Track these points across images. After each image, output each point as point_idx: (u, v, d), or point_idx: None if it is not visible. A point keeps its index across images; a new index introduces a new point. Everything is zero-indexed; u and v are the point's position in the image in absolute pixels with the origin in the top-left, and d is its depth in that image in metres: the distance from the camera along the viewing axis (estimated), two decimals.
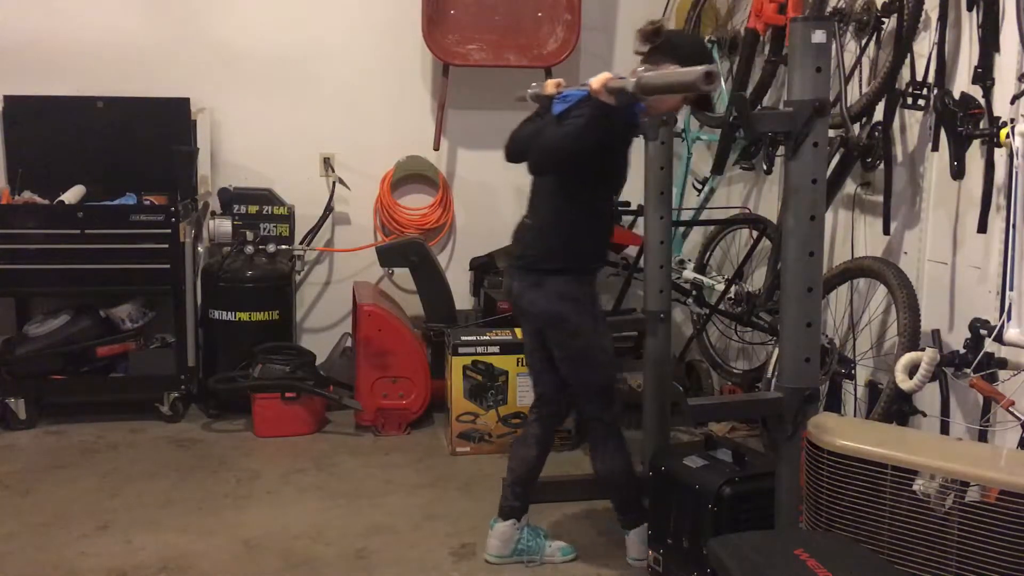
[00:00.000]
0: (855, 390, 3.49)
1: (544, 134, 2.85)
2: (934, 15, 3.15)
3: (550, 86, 2.98)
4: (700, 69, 2.30)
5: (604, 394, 3.04)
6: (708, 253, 4.74)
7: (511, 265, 3.09)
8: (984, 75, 2.93)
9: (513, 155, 3.07)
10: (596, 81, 2.65)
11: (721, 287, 4.27)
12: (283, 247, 4.68)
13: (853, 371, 3.44)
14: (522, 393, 4.13)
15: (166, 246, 4.31)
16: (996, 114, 2.91)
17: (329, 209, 4.88)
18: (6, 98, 4.57)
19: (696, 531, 2.78)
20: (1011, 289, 2.69)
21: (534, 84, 3.11)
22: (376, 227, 5.00)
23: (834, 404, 3.44)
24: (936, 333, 2.88)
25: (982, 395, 2.77)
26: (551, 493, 3.63)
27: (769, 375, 3.77)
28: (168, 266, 4.33)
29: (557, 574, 3.12)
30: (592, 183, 2.90)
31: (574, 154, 2.76)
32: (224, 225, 4.60)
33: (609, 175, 2.96)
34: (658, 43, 2.85)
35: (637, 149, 3.77)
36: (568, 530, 3.40)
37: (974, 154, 3.00)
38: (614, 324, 4.43)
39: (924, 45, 3.23)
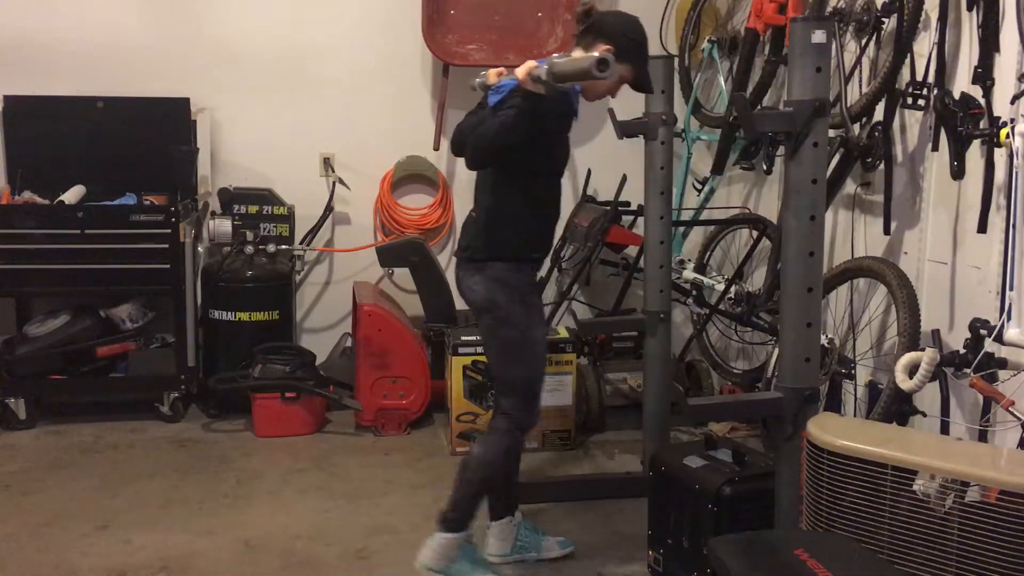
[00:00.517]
0: (855, 390, 3.49)
1: (476, 129, 2.80)
2: (934, 15, 3.15)
3: (492, 75, 2.86)
4: (594, 56, 2.37)
5: (523, 393, 2.94)
6: (708, 253, 4.74)
7: (457, 258, 3.03)
8: (984, 75, 2.93)
9: (456, 148, 3.01)
10: (521, 71, 2.61)
11: (721, 287, 4.27)
12: (283, 247, 4.67)
13: (853, 371, 3.44)
14: None
15: (166, 246, 4.30)
16: (996, 114, 2.91)
17: (329, 209, 4.88)
18: (6, 98, 4.56)
19: (696, 531, 2.78)
20: (1011, 289, 2.69)
21: (482, 73, 2.99)
22: (376, 227, 5.00)
23: (834, 404, 3.43)
24: (936, 333, 2.88)
25: (982, 395, 2.77)
26: (551, 493, 3.64)
27: (769, 375, 3.77)
28: (168, 266, 4.33)
29: (557, 574, 3.12)
30: (530, 172, 2.87)
31: (505, 148, 2.72)
32: (224, 225, 4.59)
33: (547, 162, 2.92)
34: (588, 24, 2.82)
35: (637, 148, 3.79)
36: (568, 530, 3.40)
37: (974, 154, 3.00)
38: (614, 324, 4.47)
39: (924, 45, 3.24)
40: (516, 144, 2.70)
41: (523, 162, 2.82)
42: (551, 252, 3.09)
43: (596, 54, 2.44)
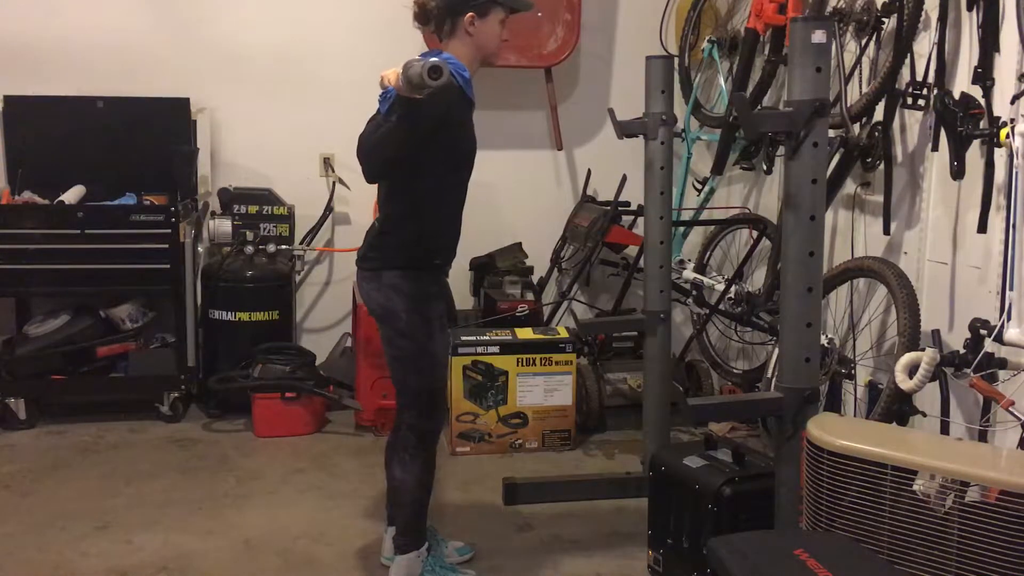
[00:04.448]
0: (855, 390, 3.49)
1: (366, 138, 2.67)
2: (934, 15, 3.15)
3: (385, 77, 2.57)
4: (425, 63, 2.29)
5: (425, 402, 2.86)
6: (708, 253, 4.74)
7: (358, 268, 2.92)
8: (984, 75, 2.93)
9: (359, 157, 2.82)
10: (392, 77, 2.44)
11: (721, 287, 4.27)
12: (283, 247, 4.67)
13: (853, 371, 3.44)
14: (522, 393, 4.14)
15: (166, 246, 4.30)
16: (996, 114, 2.91)
17: (329, 209, 4.88)
18: (6, 98, 4.56)
19: (696, 531, 2.78)
20: (1011, 289, 2.69)
21: (382, 74, 2.74)
22: None
23: (834, 404, 3.43)
24: (936, 333, 2.88)
25: (982, 395, 2.77)
26: (551, 493, 3.64)
27: (769, 375, 3.77)
28: (168, 266, 4.33)
29: (557, 574, 3.12)
30: (426, 175, 2.75)
31: (389, 160, 2.65)
32: (224, 225, 4.60)
33: (446, 162, 2.78)
34: (435, 14, 2.76)
35: (637, 148, 3.79)
36: (568, 529, 3.40)
37: (974, 154, 2.99)
38: (614, 324, 4.47)
39: (924, 45, 3.24)
40: (403, 150, 2.62)
41: (416, 166, 2.72)
42: (455, 256, 2.94)
43: (430, 60, 2.32)
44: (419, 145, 2.65)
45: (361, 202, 4.93)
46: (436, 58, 2.40)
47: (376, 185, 2.87)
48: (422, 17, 2.81)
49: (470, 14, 2.75)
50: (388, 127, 2.56)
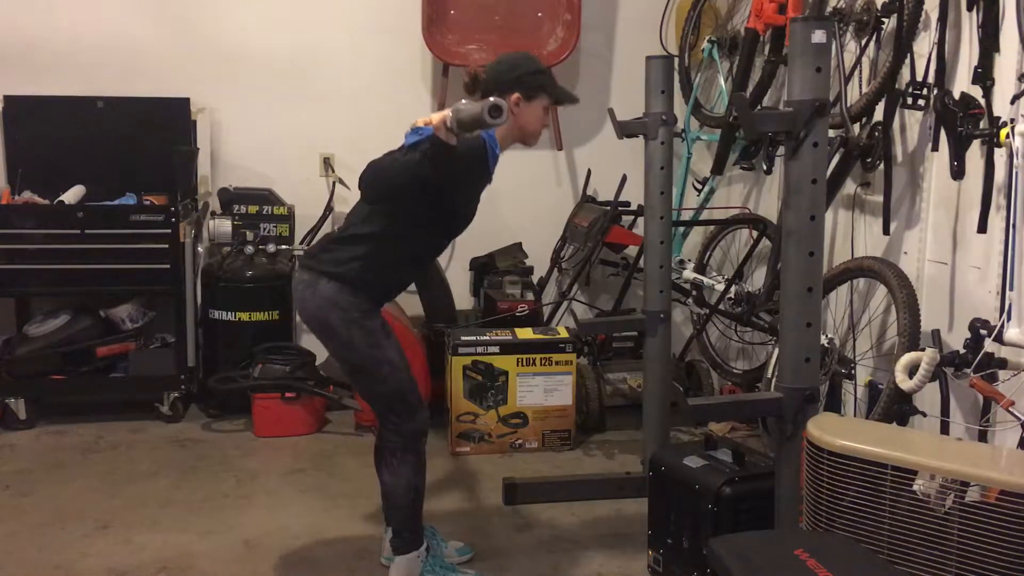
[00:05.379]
0: (855, 390, 3.49)
1: (383, 162, 2.69)
2: (934, 15, 3.15)
3: (422, 120, 2.74)
4: (488, 101, 2.34)
5: (399, 407, 2.84)
6: (708, 253, 4.74)
7: (299, 263, 2.90)
8: (984, 75, 2.93)
9: (361, 181, 2.81)
10: (436, 116, 2.51)
11: (721, 287, 4.27)
12: (283, 247, 4.67)
13: (853, 371, 3.44)
14: (522, 393, 4.14)
15: (166, 246, 4.31)
16: (996, 114, 2.90)
17: (329, 209, 4.88)
18: (6, 98, 4.56)
19: (696, 531, 2.78)
20: (1011, 289, 2.69)
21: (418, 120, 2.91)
22: None
23: (834, 404, 3.43)
24: (936, 333, 2.88)
25: (982, 395, 2.76)
26: (552, 493, 3.64)
27: (769, 375, 3.78)
28: (168, 266, 4.33)
29: (557, 574, 3.12)
30: (414, 225, 2.78)
31: (400, 187, 2.65)
32: (224, 225, 4.60)
33: (437, 220, 2.82)
34: (483, 86, 2.79)
35: (637, 148, 3.79)
36: (568, 529, 3.40)
37: (974, 154, 3.00)
38: (614, 324, 4.47)
39: (924, 45, 3.23)
40: (413, 186, 2.63)
41: (410, 209, 2.74)
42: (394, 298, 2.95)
43: (491, 99, 2.38)
44: (426, 189, 2.67)
45: None
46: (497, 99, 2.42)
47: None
48: (471, 87, 2.82)
49: (517, 95, 2.79)
50: (410, 158, 2.58)
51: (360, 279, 2.77)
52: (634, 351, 4.59)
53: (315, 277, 2.79)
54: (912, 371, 2.65)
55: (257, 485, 3.78)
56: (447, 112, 2.46)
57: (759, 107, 3.97)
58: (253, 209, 4.64)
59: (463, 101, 2.49)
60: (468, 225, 2.91)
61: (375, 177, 2.67)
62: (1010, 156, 2.72)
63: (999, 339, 2.69)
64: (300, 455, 4.10)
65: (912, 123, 3.41)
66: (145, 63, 4.69)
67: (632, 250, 4.61)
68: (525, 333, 4.22)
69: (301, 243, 4.81)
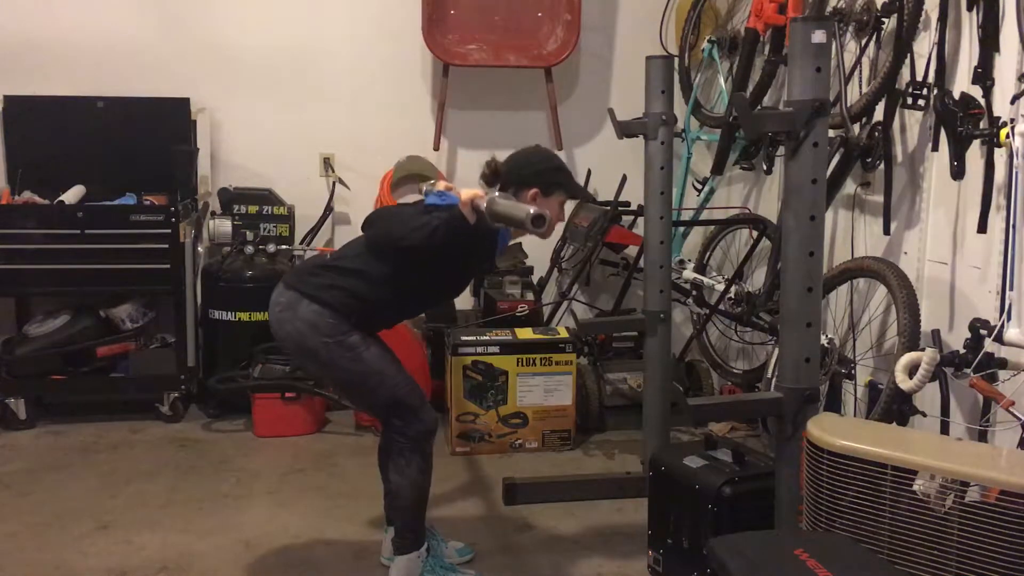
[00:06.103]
0: (855, 390, 3.49)
1: (398, 214, 2.73)
2: (934, 15, 3.15)
3: (441, 184, 2.82)
4: (531, 211, 2.46)
5: (401, 410, 2.85)
6: (708, 253, 4.74)
7: (282, 284, 2.88)
8: (984, 75, 2.93)
9: (366, 224, 2.92)
10: (466, 192, 2.61)
11: (721, 287, 4.27)
12: (283, 247, 4.67)
13: (853, 371, 3.44)
14: (522, 393, 4.14)
15: (166, 246, 4.30)
16: (996, 114, 2.91)
17: (329, 209, 4.88)
18: (6, 98, 4.56)
19: (696, 531, 2.78)
20: (1011, 289, 2.69)
21: (431, 181, 3.00)
22: None
23: (834, 404, 3.44)
24: (936, 333, 2.88)
25: (982, 395, 2.77)
26: (552, 493, 3.64)
27: (769, 375, 3.78)
28: (168, 266, 4.33)
29: (557, 574, 3.12)
30: (411, 276, 2.81)
31: (408, 247, 2.68)
32: (224, 225, 4.60)
33: (433, 282, 2.89)
34: (502, 177, 2.82)
35: (637, 148, 3.79)
36: (568, 529, 3.40)
37: (974, 154, 3.00)
38: (614, 324, 4.47)
39: (924, 45, 3.24)
40: (421, 251, 2.68)
41: (406, 268, 2.78)
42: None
43: (532, 209, 2.48)
44: (426, 255, 2.71)
45: (361, 202, 4.93)
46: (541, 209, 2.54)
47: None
48: (490, 178, 2.84)
49: (536, 189, 2.82)
50: (423, 224, 2.62)
51: (343, 304, 2.79)
52: (634, 351, 4.59)
53: (296, 298, 2.79)
54: (912, 371, 2.65)
55: (257, 485, 3.78)
56: (479, 193, 2.57)
57: (759, 107, 3.97)
58: (253, 209, 4.65)
59: (498, 193, 2.65)
60: (455, 296, 3.01)
61: (384, 232, 2.76)
62: (1010, 156, 2.72)
63: (999, 339, 2.69)
64: (300, 455, 4.10)
65: (912, 123, 3.41)
66: (145, 63, 4.69)
67: (632, 250, 4.61)
68: (525, 333, 4.21)
69: (301, 243, 4.81)
